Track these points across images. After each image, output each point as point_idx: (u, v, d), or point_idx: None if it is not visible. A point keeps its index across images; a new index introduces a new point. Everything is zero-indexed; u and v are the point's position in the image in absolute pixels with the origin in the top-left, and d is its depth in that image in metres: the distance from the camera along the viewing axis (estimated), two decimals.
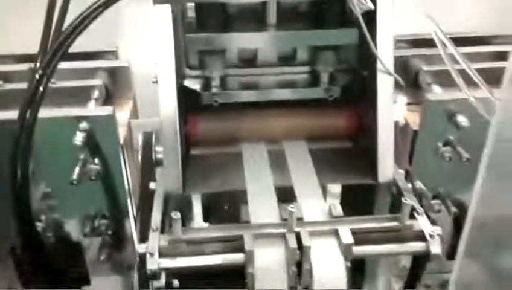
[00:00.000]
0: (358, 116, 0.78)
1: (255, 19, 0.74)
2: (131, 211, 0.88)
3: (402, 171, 0.74)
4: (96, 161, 0.81)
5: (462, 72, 0.72)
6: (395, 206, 0.68)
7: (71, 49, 0.99)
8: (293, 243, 0.57)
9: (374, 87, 0.70)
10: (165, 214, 0.66)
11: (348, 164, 0.75)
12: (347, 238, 0.58)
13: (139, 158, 0.77)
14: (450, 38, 0.73)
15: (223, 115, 0.77)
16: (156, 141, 0.76)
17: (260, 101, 0.78)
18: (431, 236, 0.59)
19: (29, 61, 0.91)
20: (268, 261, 0.57)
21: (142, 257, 0.58)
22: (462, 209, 0.83)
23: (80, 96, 0.87)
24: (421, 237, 0.60)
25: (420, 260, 0.65)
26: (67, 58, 0.96)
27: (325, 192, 0.72)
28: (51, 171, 0.80)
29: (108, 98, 0.89)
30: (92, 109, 0.82)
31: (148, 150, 0.77)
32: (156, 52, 0.66)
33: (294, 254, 0.57)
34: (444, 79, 0.86)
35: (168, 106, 0.68)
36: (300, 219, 0.61)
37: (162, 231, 0.61)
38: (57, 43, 0.63)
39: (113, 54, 1.00)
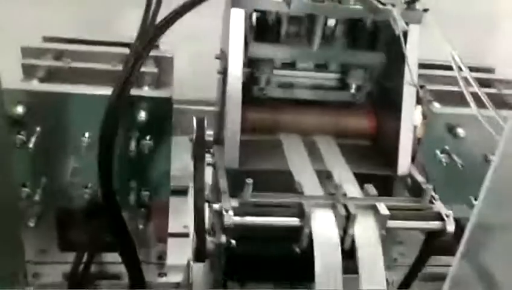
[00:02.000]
0: (376, 120, 0.93)
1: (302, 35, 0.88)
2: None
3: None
4: (149, 137, 0.91)
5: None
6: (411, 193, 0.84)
7: (113, 39, 1.11)
8: (342, 211, 0.71)
9: (399, 96, 0.85)
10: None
11: (369, 158, 0.90)
12: (384, 211, 0.72)
13: (193, 137, 0.88)
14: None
15: (266, 108, 0.90)
16: (208, 124, 0.88)
17: (298, 98, 0.92)
18: (447, 216, 0.75)
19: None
20: (321, 224, 0.70)
21: (218, 213, 0.70)
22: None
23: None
24: (439, 217, 0.75)
25: (431, 241, 0.79)
26: (111, 45, 1.08)
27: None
28: None
29: None
30: (152, 91, 0.93)
31: (200, 131, 0.88)
32: (230, 49, 0.79)
33: (343, 220, 0.71)
34: (441, 96, 1.05)
35: (235, 95, 0.80)
36: (344, 195, 0.74)
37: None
38: (151, 33, 0.74)
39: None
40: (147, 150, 0.91)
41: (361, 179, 0.82)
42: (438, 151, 1.01)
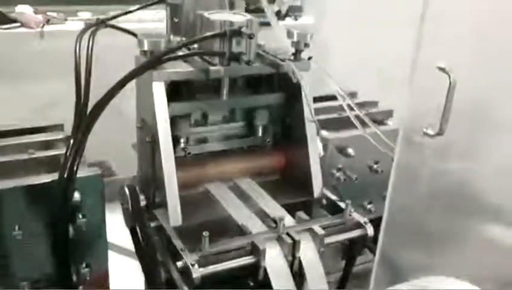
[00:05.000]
0: (284, 156, 1.07)
1: (211, 91, 0.99)
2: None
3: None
4: (83, 215, 0.94)
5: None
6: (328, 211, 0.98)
7: (19, 126, 1.11)
8: (288, 240, 0.82)
9: (302, 132, 1.00)
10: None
11: (284, 189, 1.03)
12: (320, 231, 0.85)
13: (129, 205, 0.93)
14: None
15: (190, 164, 0.99)
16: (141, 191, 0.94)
17: (214, 151, 1.03)
18: (365, 223, 0.90)
19: None
20: (274, 256, 0.81)
21: (185, 268, 0.77)
22: None
23: (51, 164, 0.99)
24: (360, 225, 0.90)
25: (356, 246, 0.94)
26: (19, 133, 1.08)
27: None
28: None
29: None
30: (81, 171, 0.95)
31: (135, 199, 0.94)
32: (157, 118, 0.87)
33: (290, 247, 0.82)
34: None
35: (170, 162, 0.87)
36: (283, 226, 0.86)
37: None
38: (86, 121, 0.79)
39: (59, 127, 1.13)
40: (83, 228, 0.94)
41: (287, 208, 0.95)
42: (334, 171, 1.19)
